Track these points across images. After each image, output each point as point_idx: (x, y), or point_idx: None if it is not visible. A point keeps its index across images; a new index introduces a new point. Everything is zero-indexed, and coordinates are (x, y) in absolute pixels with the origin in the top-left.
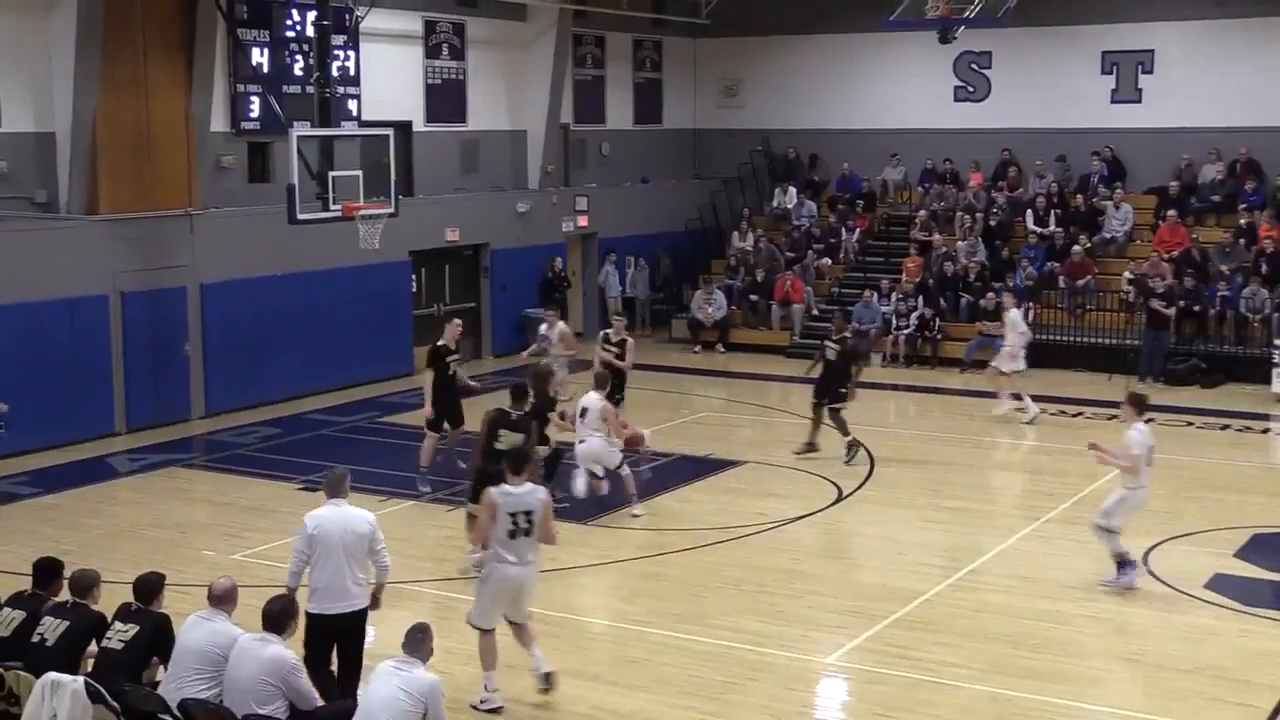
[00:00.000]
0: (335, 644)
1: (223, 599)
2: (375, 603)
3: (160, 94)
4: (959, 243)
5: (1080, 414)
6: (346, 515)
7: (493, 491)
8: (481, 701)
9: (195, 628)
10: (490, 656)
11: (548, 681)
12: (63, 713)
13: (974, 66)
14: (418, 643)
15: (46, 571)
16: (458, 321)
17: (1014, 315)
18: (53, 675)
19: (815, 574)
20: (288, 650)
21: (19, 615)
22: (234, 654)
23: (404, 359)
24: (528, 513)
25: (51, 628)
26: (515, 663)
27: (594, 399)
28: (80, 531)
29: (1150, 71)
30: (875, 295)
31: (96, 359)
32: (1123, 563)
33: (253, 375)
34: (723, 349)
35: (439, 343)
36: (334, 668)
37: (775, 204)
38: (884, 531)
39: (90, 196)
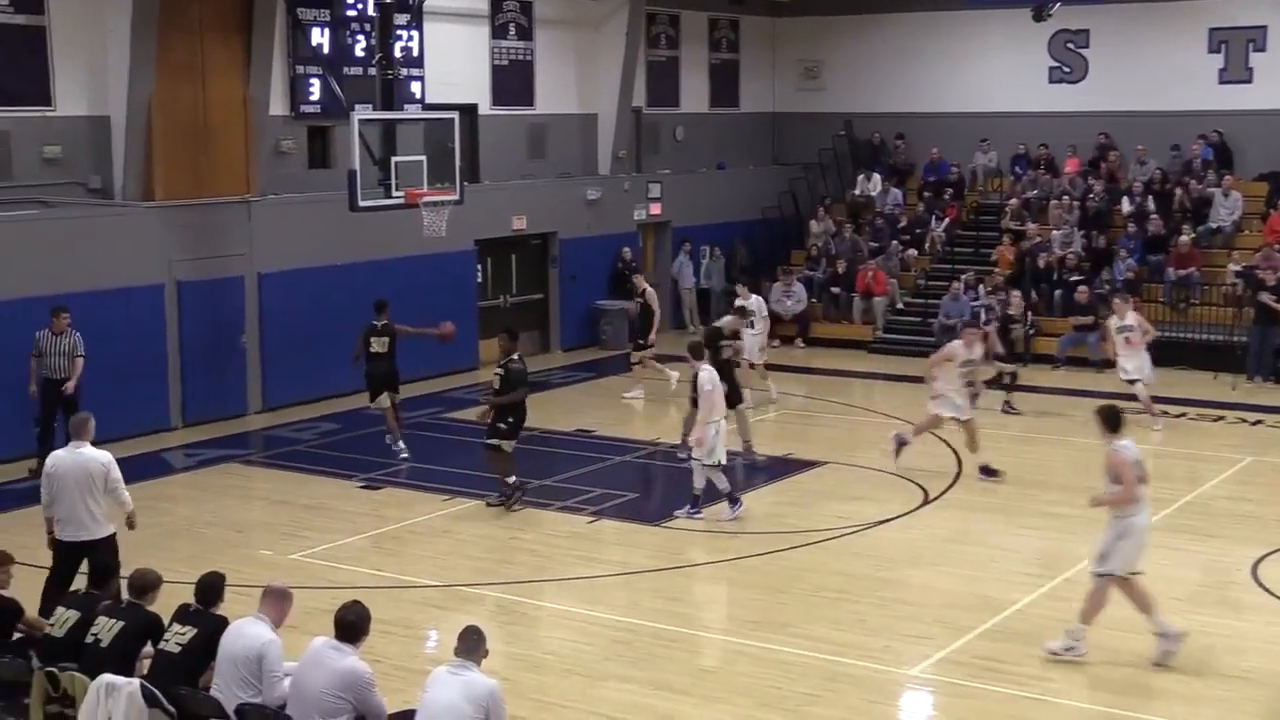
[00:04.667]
0: (84, 562)
1: (268, 602)
2: (129, 523)
3: (217, 77)
4: (1053, 232)
5: (1184, 414)
6: (81, 456)
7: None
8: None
9: (238, 633)
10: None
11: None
12: (118, 715)
13: (1070, 45)
14: (472, 646)
15: (103, 571)
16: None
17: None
18: (108, 677)
19: (900, 581)
20: (363, 663)
21: (74, 615)
22: (304, 660)
23: (469, 352)
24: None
25: (106, 628)
26: (596, 672)
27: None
28: (137, 529)
29: (1262, 49)
30: (963, 288)
31: (152, 351)
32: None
33: (311, 369)
34: (801, 344)
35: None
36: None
37: (858, 191)
38: (973, 537)
39: (146, 183)
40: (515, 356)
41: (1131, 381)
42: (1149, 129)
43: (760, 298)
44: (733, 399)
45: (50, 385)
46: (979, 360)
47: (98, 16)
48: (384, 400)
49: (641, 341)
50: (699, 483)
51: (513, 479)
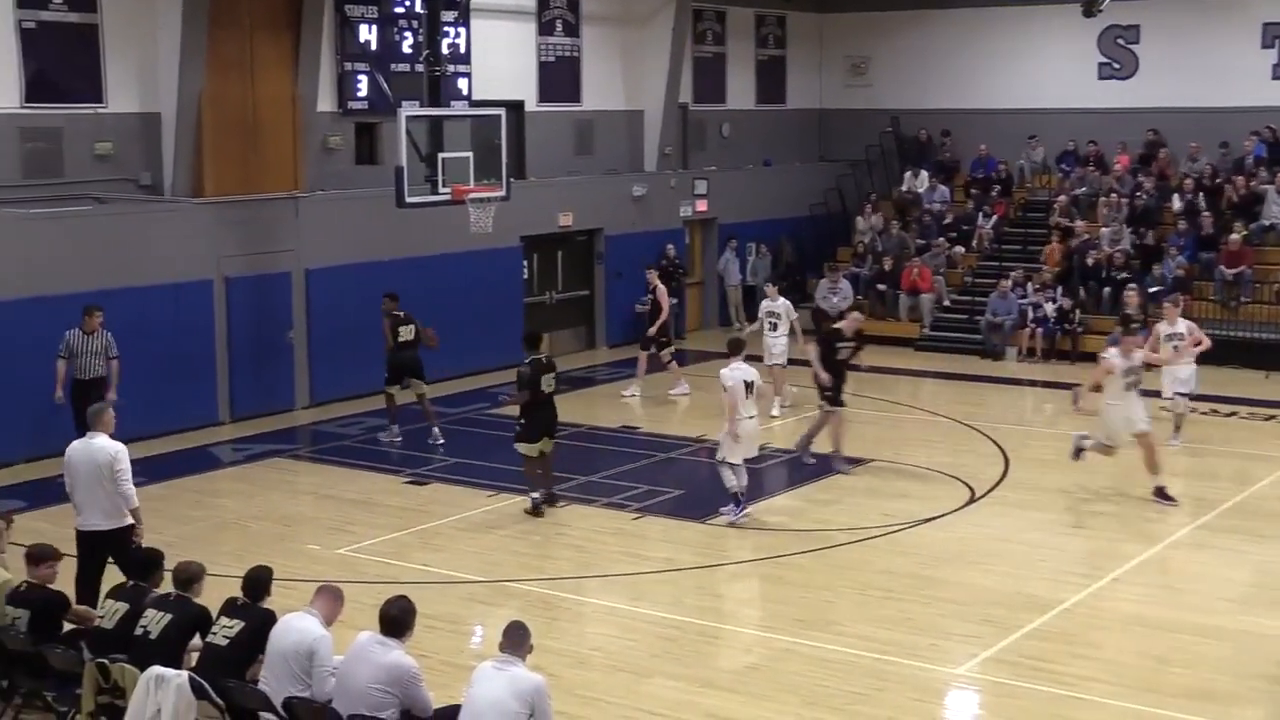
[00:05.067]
0: (101, 552)
1: (320, 598)
2: (134, 528)
3: (266, 74)
4: (1102, 229)
5: (1234, 414)
6: (91, 446)
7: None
8: None
9: (287, 627)
10: None
11: None
12: (167, 707)
13: (1120, 41)
14: (517, 641)
15: (147, 563)
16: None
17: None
18: (157, 669)
19: (946, 580)
20: (409, 657)
21: (122, 607)
22: (349, 655)
23: (515, 348)
24: None
25: (155, 620)
26: (642, 668)
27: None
28: (184, 523)
29: None
30: (1011, 285)
31: (200, 346)
32: None
33: (358, 364)
34: None
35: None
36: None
37: (905, 188)
38: (1020, 536)
39: (195, 179)
40: (529, 359)
41: (1175, 395)
42: (1200, 125)
43: (788, 300)
44: (834, 398)
45: (80, 387)
46: (1140, 367)
47: (149, 14)
48: (419, 386)
49: (652, 336)
50: (729, 481)
51: (537, 492)
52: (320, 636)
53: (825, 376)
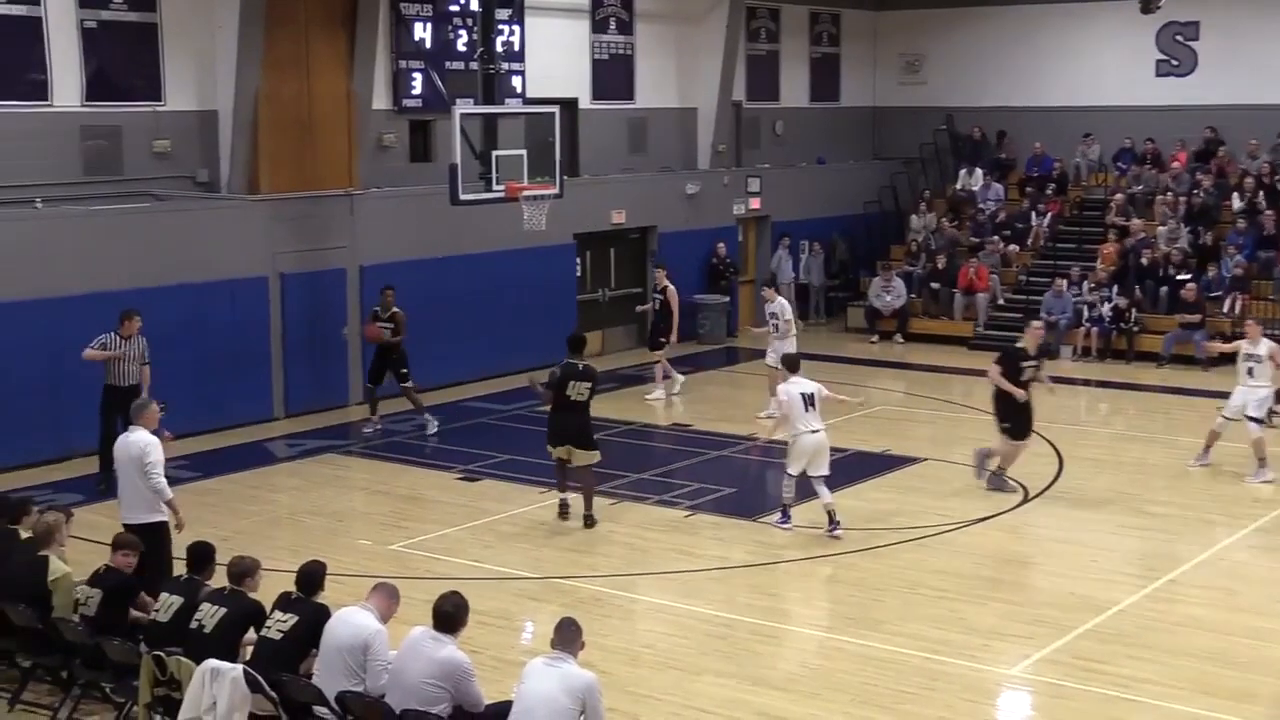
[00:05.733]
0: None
1: (377, 594)
2: (174, 521)
3: (322, 71)
4: (1159, 228)
5: None
6: (127, 441)
7: None
8: None
9: (343, 621)
10: None
11: None
12: (222, 700)
13: (1179, 38)
14: (569, 638)
15: (200, 556)
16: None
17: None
18: (213, 662)
19: (999, 579)
20: (461, 652)
21: (178, 600)
22: (403, 649)
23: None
24: None
25: (209, 614)
26: (693, 666)
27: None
28: (239, 517)
29: None
30: (1066, 284)
31: (256, 342)
32: None
33: (411, 361)
34: (900, 339)
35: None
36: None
37: (959, 186)
38: (1074, 536)
39: (251, 176)
40: (565, 361)
41: (1253, 419)
42: (1260, 122)
43: (785, 301)
44: (1020, 431)
45: (114, 394)
46: (1266, 358)
47: (207, 13)
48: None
49: (663, 341)
50: (785, 490)
51: (565, 493)
52: (376, 631)
53: (1021, 393)
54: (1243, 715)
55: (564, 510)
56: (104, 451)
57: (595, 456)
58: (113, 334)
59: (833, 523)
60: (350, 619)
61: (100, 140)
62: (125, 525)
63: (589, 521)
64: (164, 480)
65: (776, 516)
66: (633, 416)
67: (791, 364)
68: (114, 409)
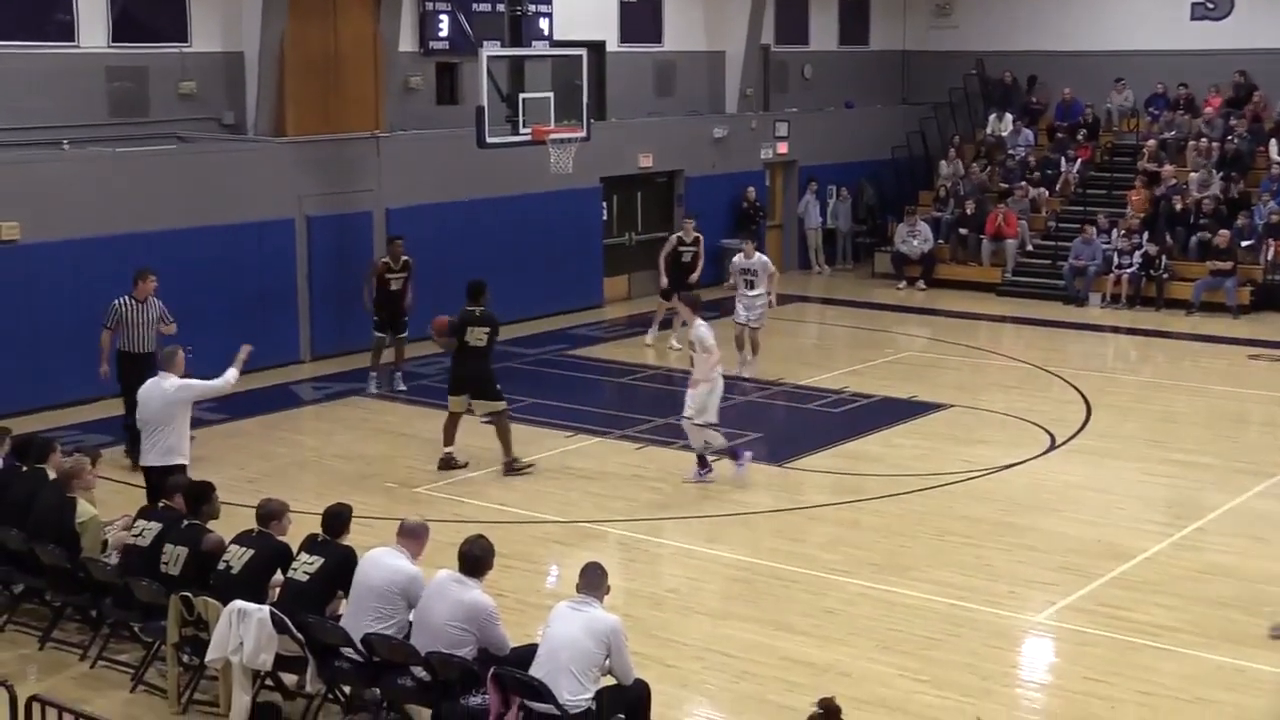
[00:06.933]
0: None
1: (406, 536)
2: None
3: (348, 13)
4: (1191, 174)
5: None
6: (160, 385)
7: None
8: None
9: (375, 563)
10: None
11: None
12: (249, 641)
13: None
14: (595, 582)
15: (197, 496)
16: None
17: None
18: (239, 603)
19: (1025, 526)
20: (486, 596)
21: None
22: (428, 592)
23: (594, 290)
24: None
25: (237, 556)
26: (717, 610)
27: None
28: (266, 459)
29: None
30: (1096, 231)
31: (282, 285)
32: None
33: (438, 304)
34: (924, 285)
35: None
36: None
37: (989, 131)
38: (1100, 484)
39: (277, 118)
40: (463, 308)
41: None
42: None
43: (765, 256)
44: None
45: (128, 361)
46: None
47: None
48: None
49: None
50: (695, 442)
51: (449, 447)
52: (415, 575)
53: None
54: (1269, 663)
55: (447, 463)
56: (129, 420)
57: (497, 406)
58: (126, 297)
59: (705, 467)
60: (383, 561)
61: (126, 82)
62: (145, 468)
63: (507, 469)
64: (217, 381)
65: (732, 466)
66: (657, 362)
67: (695, 302)
68: (130, 377)
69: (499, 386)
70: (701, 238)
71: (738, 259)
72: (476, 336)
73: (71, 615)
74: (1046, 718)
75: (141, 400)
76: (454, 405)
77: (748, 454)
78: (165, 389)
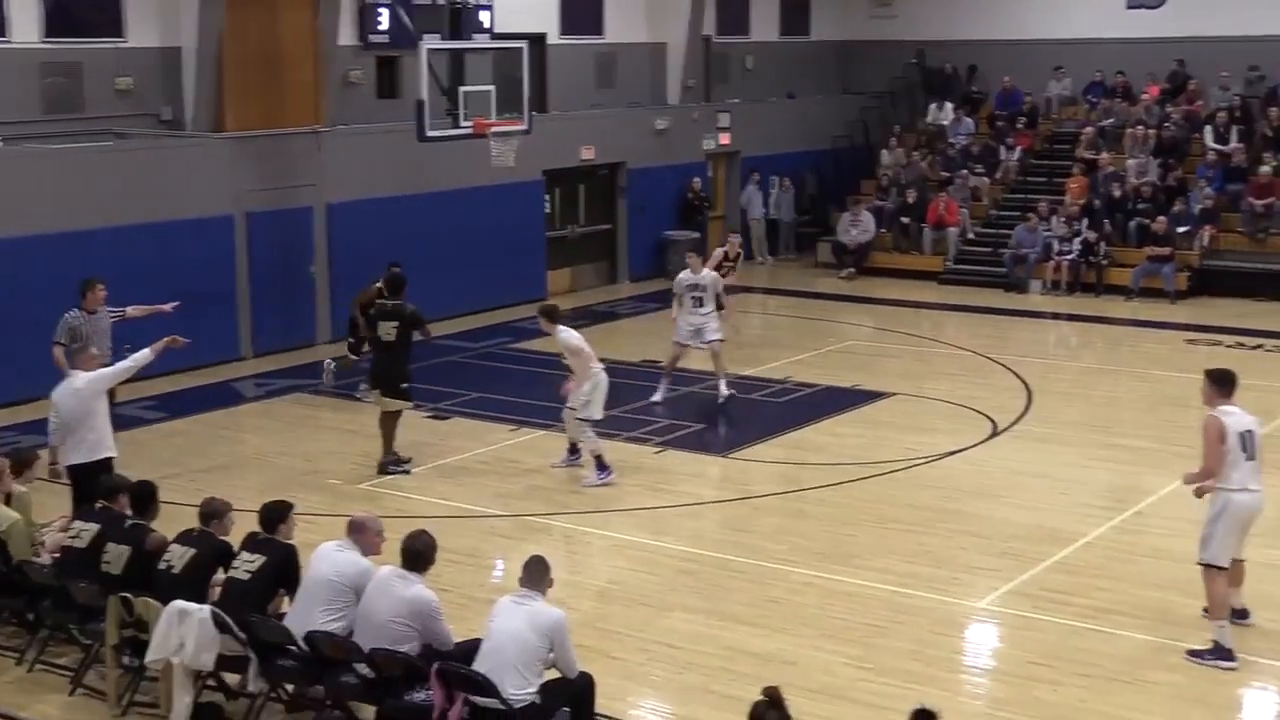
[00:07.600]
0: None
1: (355, 530)
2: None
3: (287, 7)
4: (1128, 161)
5: (1260, 346)
6: (71, 385)
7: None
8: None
9: (324, 558)
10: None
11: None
12: (190, 641)
13: None
14: (537, 576)
15: (143, 497)
16: None
17: None
18: (180, 603)
19: (967, 513)
20: (429, 591)
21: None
22: (371, 588)
23: (537, 283)
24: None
25: (179, 555)
26: (662, 602)
27: None
28: (207, 458)
29: None
30: (1036, 218)
31: (222, 281)
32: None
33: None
34: (853, 272)
35: None
36: None
37: (930, 120)
38: (1042, 469)
39: (216, 113)
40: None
41: None
42: (1231, 55)
43: (715, 273)
44: None
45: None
46: None
47: None
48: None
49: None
50: (572, 434)
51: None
52: (365, 569)
53: None
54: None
55: (384, 470)
56: None
57: (397, 405)
58: (76, 310)
59: (575, 453)
60: (333, 555)
61: (60, 77)
62: (68, 467)
63: (382, 468)
64: (125, 362)
65: (599, 475)
66: (602, 353)
67: (553, 314)
68: None
69: (406, 386)
70: (742, 254)
71: (684, 275)
72: (385, 331)
73: (8, 619)
74: (990, 703)
75: (56, 403)
76: (372, 397)
77: (611, 475)
78: (78, 387)
